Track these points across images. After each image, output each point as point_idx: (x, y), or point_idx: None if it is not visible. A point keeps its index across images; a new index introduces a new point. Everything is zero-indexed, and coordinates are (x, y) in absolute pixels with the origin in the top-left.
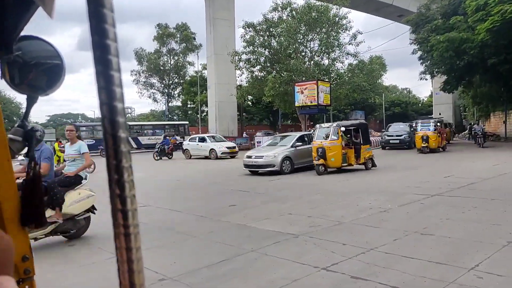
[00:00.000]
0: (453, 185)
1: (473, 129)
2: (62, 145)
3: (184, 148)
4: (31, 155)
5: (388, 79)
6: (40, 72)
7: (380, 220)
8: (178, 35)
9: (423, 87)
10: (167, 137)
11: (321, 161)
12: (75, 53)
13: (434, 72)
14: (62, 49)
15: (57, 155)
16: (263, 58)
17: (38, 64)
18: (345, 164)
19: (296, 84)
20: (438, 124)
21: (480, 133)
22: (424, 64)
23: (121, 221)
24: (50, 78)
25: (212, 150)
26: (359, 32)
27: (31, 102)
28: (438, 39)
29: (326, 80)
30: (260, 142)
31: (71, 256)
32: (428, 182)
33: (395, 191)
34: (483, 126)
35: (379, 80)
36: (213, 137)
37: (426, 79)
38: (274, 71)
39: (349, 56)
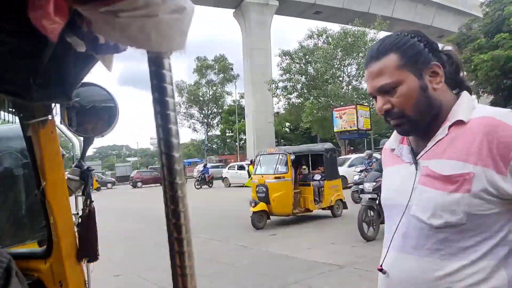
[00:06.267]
0: None
1: None
2: None
3: (223, 176)
4: (87, 193)
5: None
6: (96, 115)
7: None
8: (216, 66)
9: None
10: (206, 166)
11: (261, 206)
12: (115, 87)
13: (480, 92)
14: (103, 84)
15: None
16: (300, 85)
17: (94, 108)
18: (296, 211)
19: (335, 109)
20: None
21: None
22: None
23: (177, 248)
24: (105, 121)
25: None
26: None
27: (87, 143)
28: (482, 58)
29: (366, 104)
30: None
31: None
32: None
33: None
34: None
35: None
36: None
37: None
38: (312, 97)
39: None
